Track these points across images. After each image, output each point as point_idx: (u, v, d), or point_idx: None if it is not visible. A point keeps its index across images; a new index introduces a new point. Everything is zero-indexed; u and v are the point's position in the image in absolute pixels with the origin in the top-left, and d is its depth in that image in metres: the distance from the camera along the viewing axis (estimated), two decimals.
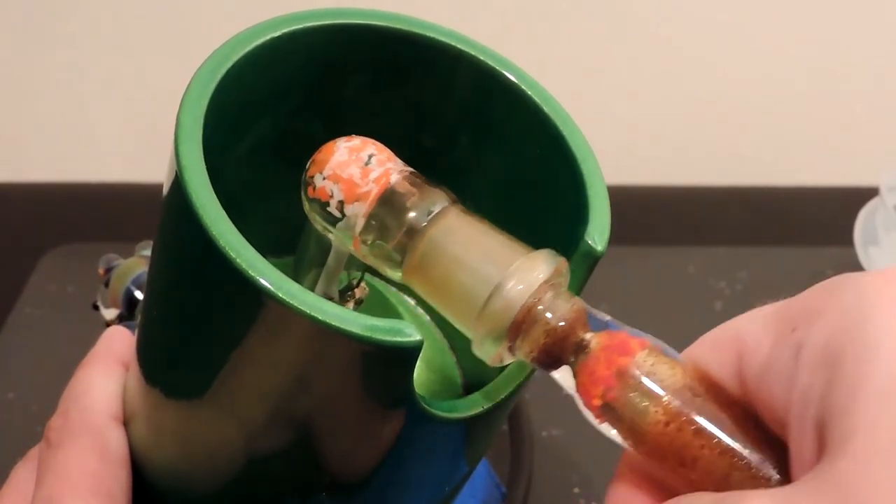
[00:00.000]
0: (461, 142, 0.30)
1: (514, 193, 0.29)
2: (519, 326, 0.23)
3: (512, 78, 0.28)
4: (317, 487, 0.26)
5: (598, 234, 0.25)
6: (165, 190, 0.24)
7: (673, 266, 0.64)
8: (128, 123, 0.74)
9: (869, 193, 0.61)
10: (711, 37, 0.72)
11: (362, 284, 0.28)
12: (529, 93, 0.28)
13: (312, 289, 0.28)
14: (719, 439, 0.20)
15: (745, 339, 0.21)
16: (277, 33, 0.26)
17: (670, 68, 0.73)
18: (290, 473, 0.26)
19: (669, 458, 0.20)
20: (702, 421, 0.20)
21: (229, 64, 0.25)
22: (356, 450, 0.25)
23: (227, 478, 0.27)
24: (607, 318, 0.23)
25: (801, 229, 0.69)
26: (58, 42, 0.71)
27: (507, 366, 0.26)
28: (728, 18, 0.72)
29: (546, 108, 0.27)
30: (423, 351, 0.22)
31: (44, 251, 0.65)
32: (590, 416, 0.22)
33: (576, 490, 0.50)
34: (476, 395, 0.25)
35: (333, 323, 0.21)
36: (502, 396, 0.25)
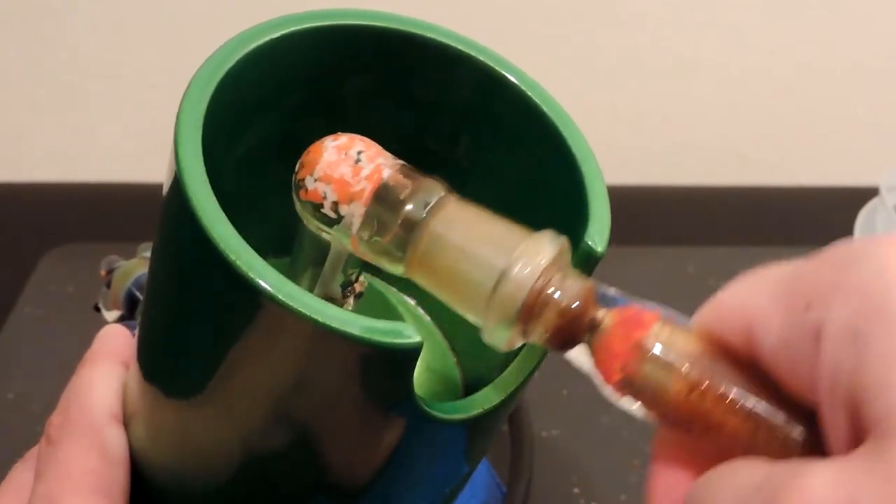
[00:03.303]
0: (462, 142, 0.30)
1: (515, 194, 0.29)
2: (530, 310, 0.23)
3: (512, 78, 0.28)
4: (316, 488, 0.26)
5: (597, 235, 0.25)
6: (165, 191, 0.24)
7: (673, 266, 0.64)
8: (128, 123, 0.74)
9: (869, 193, 0.61)
10: (712, 36, 0.72)
11: (361, 279, 0.28)
12: (529, 93, 0.28)
13: (310, 289, 0.28)
14: (742, 403, 0.20)
15: (753, 314, 0.20)
16: (277, 34, 0.26)
17: (670, 68, 0.73)
18: (289, 474, 0.26)
19: (695, 426, 0.21)
20: (722, 386, 0.20)
21: (229, 65, 0.25)
22: (356, 451, 0.25)
23: (226, 478, 0.27)
24: (616, 292, 0.23)
25: (801, 229, 0.69)
26: (58, 42, 0.71)
27: (507, 366, 0.26)
28: (728, 18, 0.72)
29: (546, 109, 0.27)
30: (423, 352, 0.22)
31: (44, 251, 0.65)
32: (609, 393, 0.22)
33: (576, 490, 0.50)
34: (476, 396, 0.25)
35: (333, 325, 0.21)
36: (503, 397, 0.25)
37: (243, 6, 0.66)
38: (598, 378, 0.22)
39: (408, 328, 0.21)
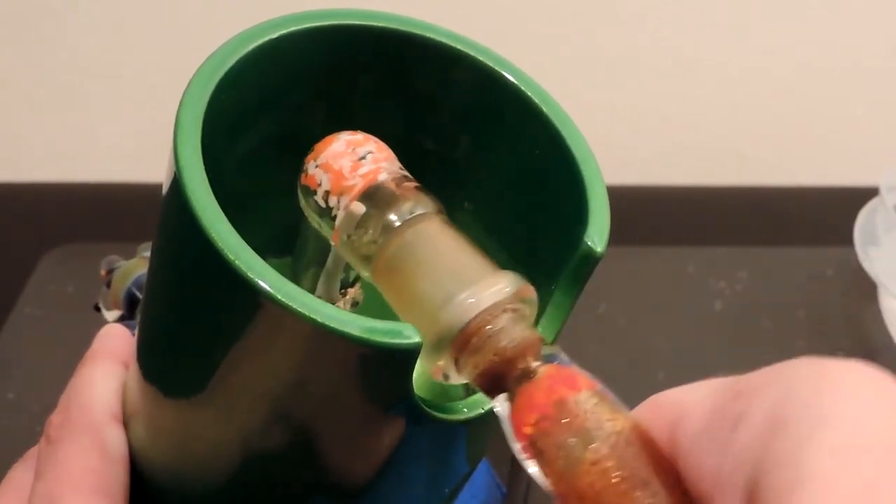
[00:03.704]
0: (461, 143, 0.30)
1: (514, 194, 0.29)
2: (467, 340, 0.22)
3: (511, 78, 0.28)
4: (316, 488, 0.26)
5: (597, 235, 0.25)
6: (164, 191, 0.24)
7: (673, 266, 0.64)
8: (128, 123, 0.74)
9: (869, 193, 0.61)
10: (711, 36, 0.73)
11: (357, 286, 0.28)
12: (529, 93, 0.28)
13: (312, 288, 0.28)
14: (640, 492, 0.19)
15: (684, 406, 0.20)
16: (277, 34, 0.26)
17: (670, 68, 0.73)
18: (288, 474, 0.26)
19: (587, 502, 0.20)
20: (627, 470, 0.20)
21: (229, 64, 0.25)
22: (355, 451, 0.25)
23: (226, 478, 0.27)
24: (566, 359, 0.22)
25: (801, 229, 0.70)
26: (58, 42, 0.71)
27: None
28: (728, 18, 0.72)
29: (545, 109, 0.27)
30: None
31: (44, 251, 0.65)
32: (517, 451, 0.21)
33: None
34: (477, 396, 0.25)
35: (332, 325, 0.21)
36: None
37: (243, 6, 0.66)
38: (508, 430, 0.21)
39: (407, 328, 0.21)
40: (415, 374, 0.22)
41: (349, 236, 0.25)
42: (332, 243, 0.25)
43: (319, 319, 0.21)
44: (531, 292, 0.23)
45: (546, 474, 0.20)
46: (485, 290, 0.22)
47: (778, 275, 0.64)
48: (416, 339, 0.21)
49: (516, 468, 0.48)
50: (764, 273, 0.64)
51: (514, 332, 0.22)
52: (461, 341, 0.22)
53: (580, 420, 0.20)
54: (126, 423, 0.29)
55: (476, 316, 0.22)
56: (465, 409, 0.24)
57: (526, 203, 0.29)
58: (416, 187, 0.25)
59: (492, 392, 0.22)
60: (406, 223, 0.24)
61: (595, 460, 0.20)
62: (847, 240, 0.59)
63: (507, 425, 0.21)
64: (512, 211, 0.29)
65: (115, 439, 0.28)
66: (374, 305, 0.31)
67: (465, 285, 0.22)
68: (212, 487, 0.28)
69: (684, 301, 0.61)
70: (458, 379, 0.23)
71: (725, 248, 0.66)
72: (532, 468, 0.21)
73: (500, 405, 0.22)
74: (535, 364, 0.22)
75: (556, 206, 0.27)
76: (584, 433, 0.20)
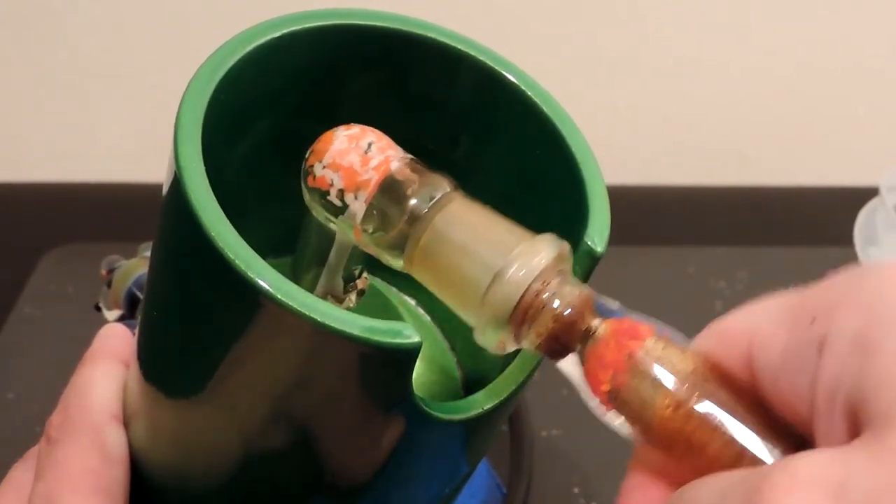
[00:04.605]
0: (462, 143, 0.30)
1: (514, 194, 0.29)
2: (524, 313, 0.22)
3: (512, 79, 0.28)
4: (315, 488, 0.26)
5: (597, 234, 0.25)
6: (165, 190, 0.24)
7: (673, 266, 0.64)
8: (128, 123, 0.74)
9: (869, 193, 0.61)
10: (712, 36, 0.73)
11: (364, 276, 0.28)
12: (530, 93, 0.28)
13: (313, 287, 0.28)
14: (728, 426, 0.20)
15: (756, 333, 0.20)
16: (278, 34, 0.26)
17: (670, 68, 0.73)
18: (288, 474, 0.26)
19: (678, 444, 0.20)
20: (711, 407, 0.20)
21: (229, 64, 0.25)
22: (355, 451, 0.25)
23: (226, 478, 0.27)
24: (615, 305, 0.22)
25: (801, 229, 0.69)
26: (58, 42, 0.71)
27: (507, 366, 0.26)
28: (728, 18, 0.72)
29: (546, 109, 0.27)
30: (423, 351, 0.22)
31: (44, 251, 0.65)
32: (595, 406, 0.22)
33: (576, 490, 0.50)
34: (476, 396, 0.25)
35: (332, 324, 0.21)
36: (502, 397, 0.25)
37: (243, 6, 0.66)
38: (585, 390, 0.22)
39: (407, 328, 0.21)
40: (414, 374, 0.22)
41: (374, 230, 0.24)
42: (355, 240, 0.25)
43: (319, 319, 0.21)
44: (567, 248, 0.23)
45: (632, 424, 0.21)
46: (530, 259, 0.22)
47: (778, 275, 0.64)
48: (416, 338, 0.21)
49: (516, 468, 0.48)
50: (764, 273, 0.64)
51: (567, 295, 0.22)
52: (519, 315, 0.22)
53: (654, 368, 0.21)
54: (126, 423, 0.29)
55: (528, 288, 0.22)
56: (465, 409, 0.24)
57: (526, 203, 0.29)
58: (427, 168, 0.25)
59: (556, 356, 0.22)
60: (432, 208, 0.24)
61: (677, 404, 0.20)
62: (847, 240, 0.59)
63: (581, 385, 0.22)
64: (512, 211, 0.29)
65: (115, 439, 0.28)
66: (373, 305, 0.31)
67: (508, 259, 0.22)
68: (212, 487, 0.28)
69: (684, 301, 0.61)
70: (513, 347, 0.23)
71: (725, 248, 0.66)
72: (616, 420, 0.21)
73: (566, 365, 0.22)
74: (595, 322, 0.22)
75: (557, 206, 0.27)
76: (661, 379, 0.20)
